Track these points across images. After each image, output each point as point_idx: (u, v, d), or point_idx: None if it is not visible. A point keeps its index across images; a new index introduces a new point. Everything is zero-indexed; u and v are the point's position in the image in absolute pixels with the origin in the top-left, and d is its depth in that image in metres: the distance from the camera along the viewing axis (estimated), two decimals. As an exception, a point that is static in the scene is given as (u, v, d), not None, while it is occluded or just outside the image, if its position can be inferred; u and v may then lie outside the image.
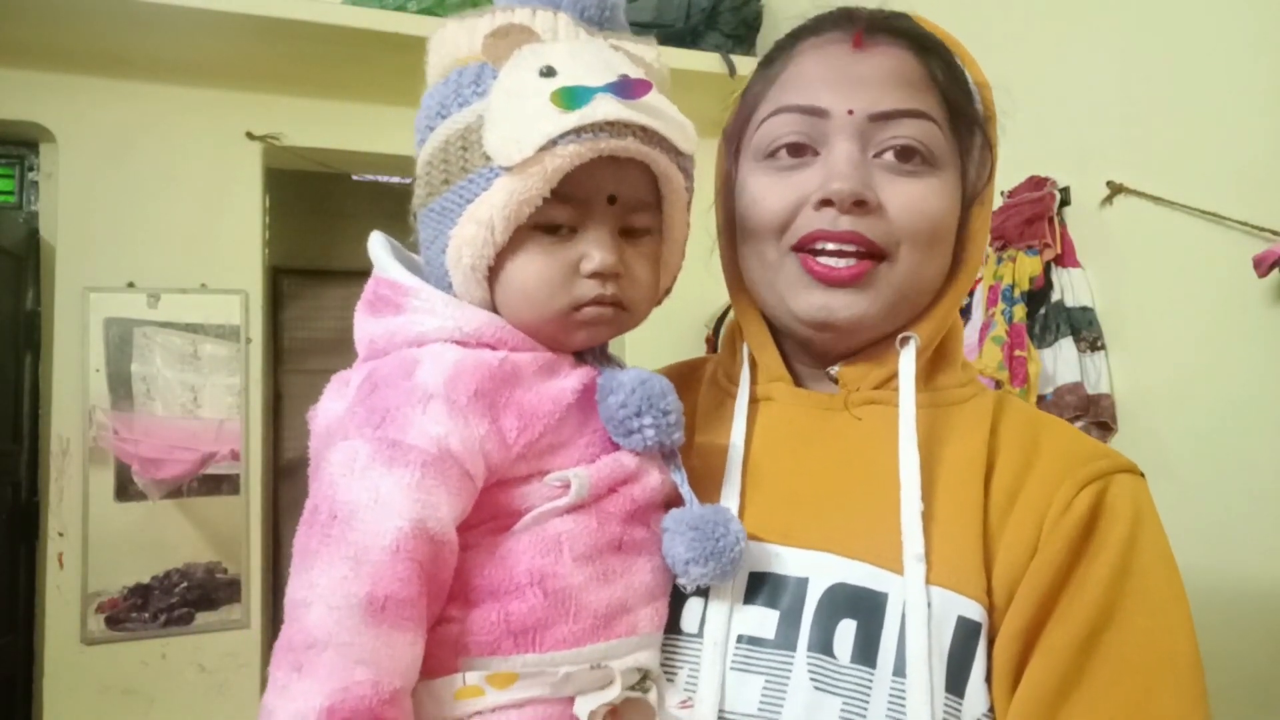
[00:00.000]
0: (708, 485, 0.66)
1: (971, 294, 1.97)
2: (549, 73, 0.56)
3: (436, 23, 0.63)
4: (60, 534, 2.36)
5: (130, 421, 2.42)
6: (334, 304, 3.96)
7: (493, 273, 0.59)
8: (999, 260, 1.85)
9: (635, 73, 0.58)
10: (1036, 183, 1.82)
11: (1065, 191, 1.79)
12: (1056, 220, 1.78)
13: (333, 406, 0.59)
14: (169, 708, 2.39)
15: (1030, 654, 0.58)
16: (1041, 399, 1.74)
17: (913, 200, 0.64)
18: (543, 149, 0.54)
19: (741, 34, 2.78)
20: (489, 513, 0.57)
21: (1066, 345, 1.72)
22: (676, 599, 0.63)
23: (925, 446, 0.63)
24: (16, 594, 2.37)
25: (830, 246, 0.64)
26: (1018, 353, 1.75)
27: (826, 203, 0.63)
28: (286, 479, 3.44)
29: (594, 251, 0.59)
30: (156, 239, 2.48)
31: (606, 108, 0.54)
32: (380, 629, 0.50)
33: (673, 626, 0.62)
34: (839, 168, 0.63)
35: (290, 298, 4.05)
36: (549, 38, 0.59)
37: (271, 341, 3.60)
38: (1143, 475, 0.64)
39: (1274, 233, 1.38)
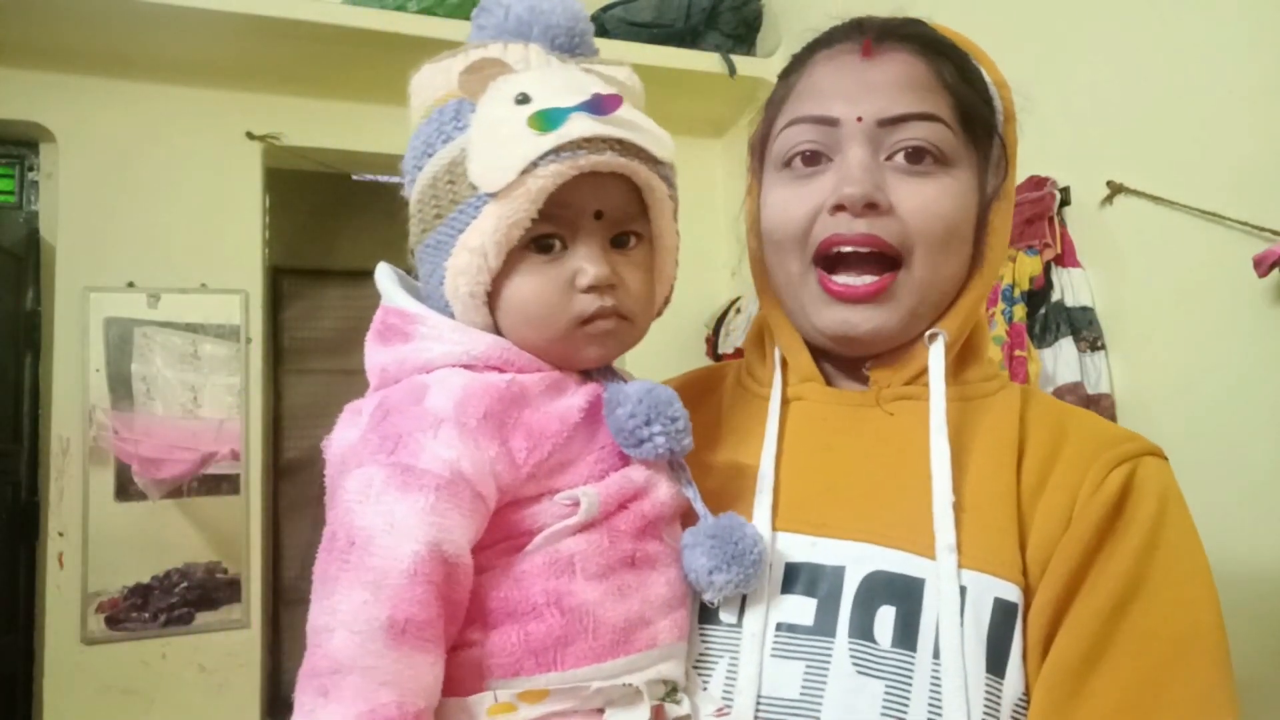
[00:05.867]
0: (739, 486, 0.67)
1: (972, 294, 1.97)
2: (524, 100, 0.58)
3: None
4: (60, 534, 2.36)
5: (130, 421, 2.42)
6: (334, 304, 3.95)
7: (492, 298, 0.61)
8: (999, 260, 1.85)
9: (606, 90, 0.59)
10: (1036, 183, 1.82)
11: (1065, 191, 1.79)
12: (1056, 220, 1.78)
13: (346, 435, 0.60)
14: (169, 708, 2.39)
15: (1058, 626, 0.60)
16: (1041, 399, 1.74)
17: (924, 201, 0.65)
18: (524, 172, 0.56)
19: (741, 34, 2.78)
20: (502, 533, 0.58)
21: (1066, 345, 1.72)
22: None
23: (956, 438, 0.65)
24: (16, 594, 2.37)
25: (847, 250, 0.66)
26: (1018, 353, 1.75)
27: (840, 207, 0.65)
28: (286, 479, 3.44)
29: (586, 265, 0.60)
30: (156, 239, 2.48)
31: (581, 125, 0.56)
32: (402, 651, 0.51)
33: (711, 618, 0.64)
34: (850, 173, 0.65)
35: (290, 298, 4.04)
36: (521, 68, 0.61)
37: (271, 341, 3.59)
38: (1166, 458, 0.66)
39: (1274, 233, 1.38)
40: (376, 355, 0.64)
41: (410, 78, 0.65)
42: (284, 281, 3.98)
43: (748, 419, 0.72)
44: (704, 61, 2.66)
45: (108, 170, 2.45)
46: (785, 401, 0.71)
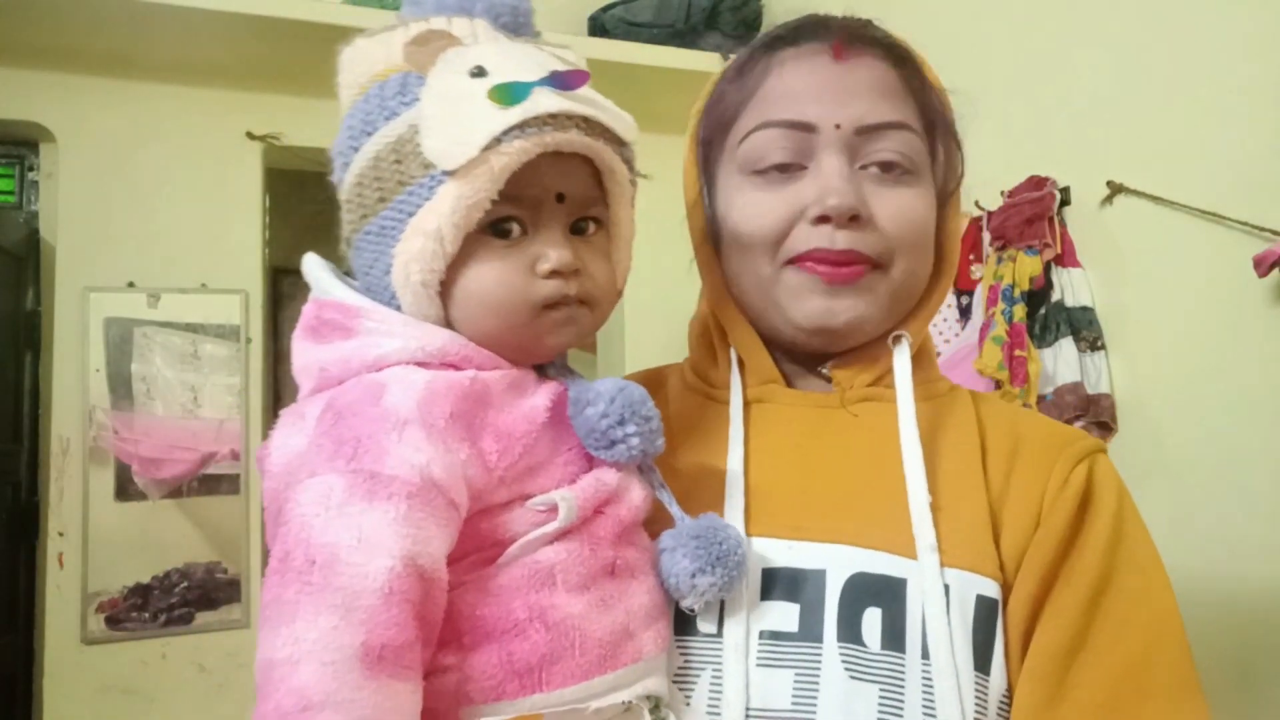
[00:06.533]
0: (707, 490, 0.65)
1: (971, 294, 1.97)
2: (480, 73, 0.53)
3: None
4: (60, 534, 2.36)
5: (130, 421, 2.42)
6: (334, 304, 3.95)
7: (445, 287, 0.55)
8: (999, 260, 1.85)
9: (565, 67, 0.56)
10: (1036, 183, 1.82)
11: (1065, 191, 1.79)
12: (1056, 220, 1.78)
13: (290, 442, 0.54)
14: (169, 708, 2.39)
15: (1037, 619, 0.62)
16: (1041, 399, 1.74)
17: (901, 210, 0.65)
18: (487, 148, 0.51)
19: (741, 34, 2.78)
20: (473, 544, 0.53)
21: (1066, 345, 1.72)
22: None
23: (925, 438, 0.65)
24: (16, 594, 2.37)
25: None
26: (1018, 353, 1.75)
27: (823, 219, 0.64)
28: (286, 479, 3.44)
29: (549, 250, 0.56)
30: (156, 239, 2.48)
31: (547, 100, 0.52)
32: (380, 681, 0.45)
33: (689, 628, 0.61)
34: (832, 182, 0.64)
35: (290, 298, 4.05)
36: (470, 42, 0.57)
37: (271, 341, 3.59)
38: (1106, 452, 0.70)
39: (1274, 233, 1.38)
40: (311, 353, 0.58)
41: (340, 52, 0.60)
42: (284, 281, 3.98)
43: (706, 423, 0.70)
44: (704, 61, 2.65)
45: (108, 170, 2.45)
46: (746, 404, 0.69)
